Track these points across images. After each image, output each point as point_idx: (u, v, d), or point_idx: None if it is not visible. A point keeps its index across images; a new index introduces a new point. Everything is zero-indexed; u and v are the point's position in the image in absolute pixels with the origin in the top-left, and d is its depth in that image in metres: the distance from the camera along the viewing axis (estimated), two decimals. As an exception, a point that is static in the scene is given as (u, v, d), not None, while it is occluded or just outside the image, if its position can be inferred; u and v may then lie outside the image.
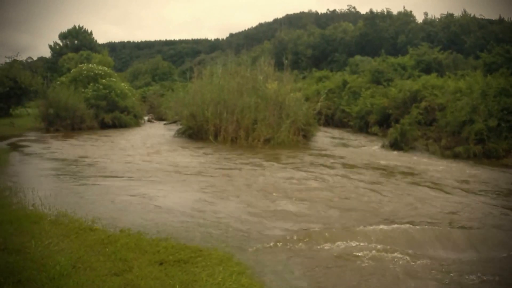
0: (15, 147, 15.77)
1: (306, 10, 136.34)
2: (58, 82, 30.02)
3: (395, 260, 5.86)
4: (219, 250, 5.51)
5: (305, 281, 5.20)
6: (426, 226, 7.25)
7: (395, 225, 7.18)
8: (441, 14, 63.51)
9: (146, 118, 33.71)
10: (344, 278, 5.31)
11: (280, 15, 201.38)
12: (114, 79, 30.80)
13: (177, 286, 4.23)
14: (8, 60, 37.46)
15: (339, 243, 6.40)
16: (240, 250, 5.82)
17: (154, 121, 35.64)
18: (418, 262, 5.86)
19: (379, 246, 6.26)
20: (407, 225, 7.15)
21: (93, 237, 5.56)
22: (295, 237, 6.46)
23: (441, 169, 13.40)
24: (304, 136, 19.79)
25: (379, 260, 5.86)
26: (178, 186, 10.17)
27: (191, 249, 5.34)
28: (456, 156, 15.82)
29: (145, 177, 11.16)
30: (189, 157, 15.15)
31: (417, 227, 7.15)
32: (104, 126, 26.91)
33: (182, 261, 4.96)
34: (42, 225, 5.87)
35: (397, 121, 19.68)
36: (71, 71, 32.51)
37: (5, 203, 7.21)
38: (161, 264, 4.87)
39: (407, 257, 5.95)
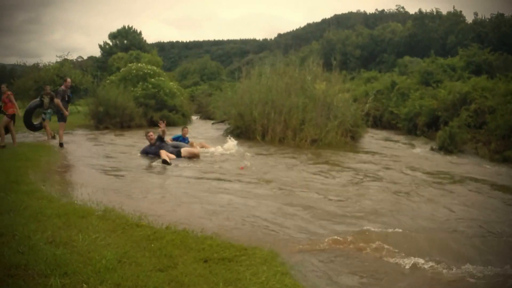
0: (65, 143, 16.02)
1: (354, 10, 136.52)
2: (108, 81, 30.63)
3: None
4: (263, 249, 5.46)
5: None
6: None
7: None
8: (491, 14, 62.05)
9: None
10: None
11: (328, 15, 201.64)
12: (163, 79, 31.25)
13: (221, 284, 4.22)
14: (59, 59, 38.71)
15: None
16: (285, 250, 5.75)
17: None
18: None
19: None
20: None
21: (139, 233, 5.60)
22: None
23: None
24: (352, 138, 19.58)
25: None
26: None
27: (235, 248, 5.32)
28: (505, 160, 15.35)
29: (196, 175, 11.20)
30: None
31: None
32: (153, 124, 27.27)
33: (226, 259, 4.95)
34: (90, 220, 5.95)
35: (446, 124, 19.32)
36: (121, 70, 33.16)
37: (54, 198, 7.35)
38: (205, 261, 4.87)
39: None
